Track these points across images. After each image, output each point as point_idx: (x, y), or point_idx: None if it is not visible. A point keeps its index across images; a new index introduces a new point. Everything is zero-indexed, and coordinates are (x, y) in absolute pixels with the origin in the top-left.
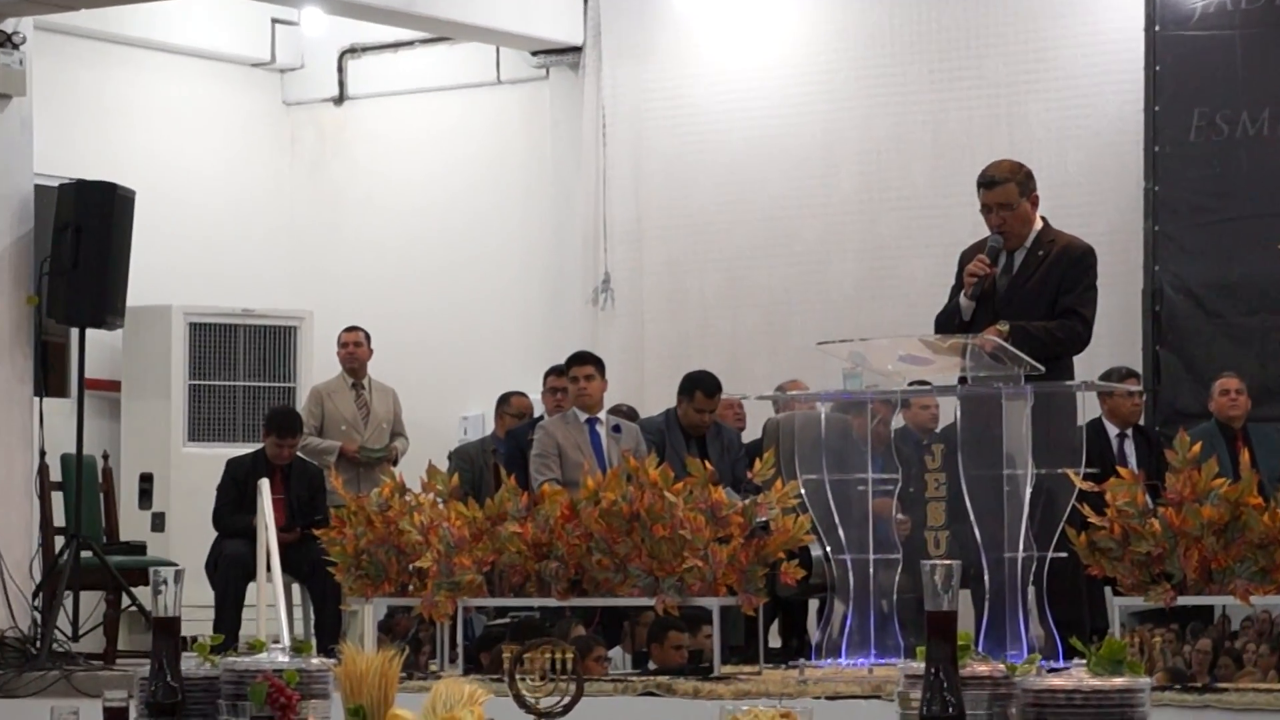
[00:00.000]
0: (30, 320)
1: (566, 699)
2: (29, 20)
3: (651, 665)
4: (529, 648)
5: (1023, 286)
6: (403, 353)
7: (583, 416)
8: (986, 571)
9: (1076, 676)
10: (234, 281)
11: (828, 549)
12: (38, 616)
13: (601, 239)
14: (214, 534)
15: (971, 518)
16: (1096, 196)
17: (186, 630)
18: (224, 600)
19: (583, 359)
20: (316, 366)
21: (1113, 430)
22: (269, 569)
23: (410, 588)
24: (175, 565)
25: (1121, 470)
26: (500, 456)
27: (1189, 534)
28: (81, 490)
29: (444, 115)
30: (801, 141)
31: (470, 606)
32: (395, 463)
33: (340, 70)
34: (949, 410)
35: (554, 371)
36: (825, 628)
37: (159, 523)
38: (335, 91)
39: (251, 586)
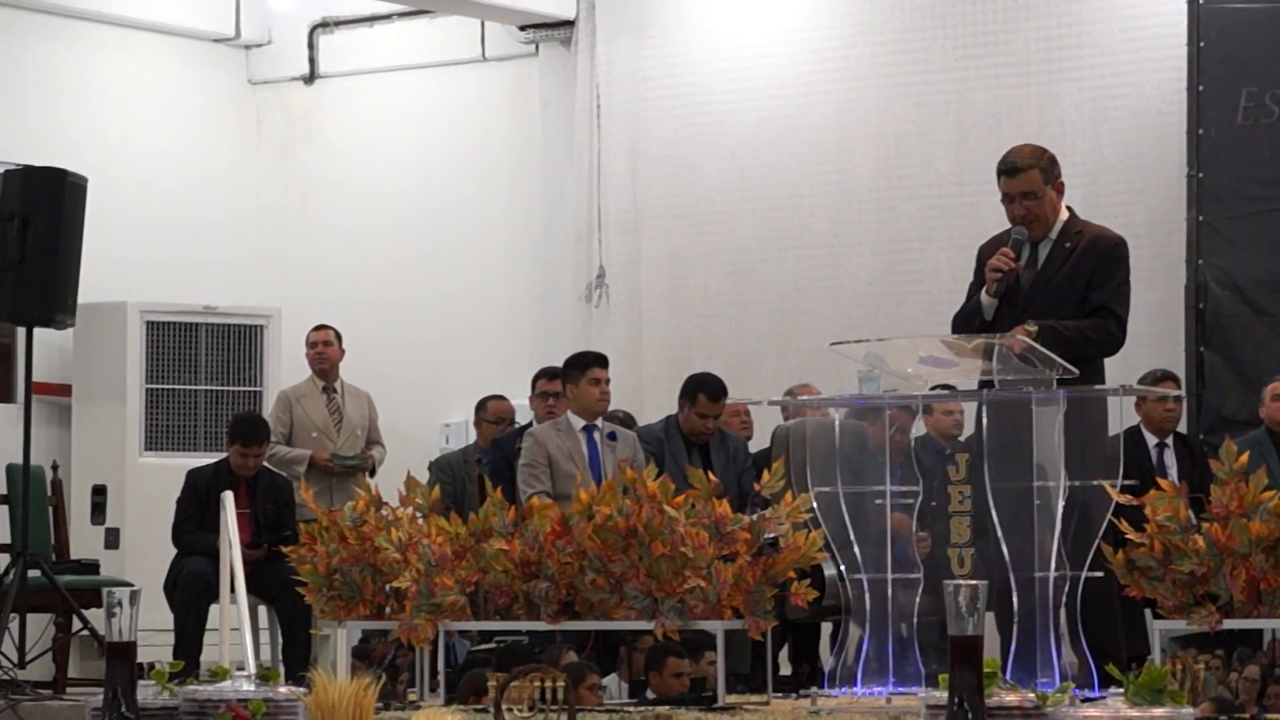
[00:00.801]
0: None
1: None
2: None
3: (650, 694)
4: (516, 675)
5: (1049, 282)
6: (379, 354)
7: (579, 423)
8: (1015, 592)
9: (1113, 707)
10: (195, 276)
11: (842, 568)
12: None
13: (595, 230)
14: (173, 551)
15: (999, 534)
16: (1135, 184)
17: (143, 656)
18: (184, 623)
19: (601, 360)
20: (285, 369)
21: (1152, 439)
22: (233, 589)
23: (387, 610)
24: (131, 585)
25: (1162, 482)
26: (485, 467)
27: (1236, 551)
28: (29, 504)
29: (424, 95)
30: (813, 124)
31: (452, 630)
32: (372, 473)
33: (311, 46)
34: (974, 417)
35: (544, 375)
36: (839, 653)
37: (113, 539)
38: (305, 69)
39: (214, 608)
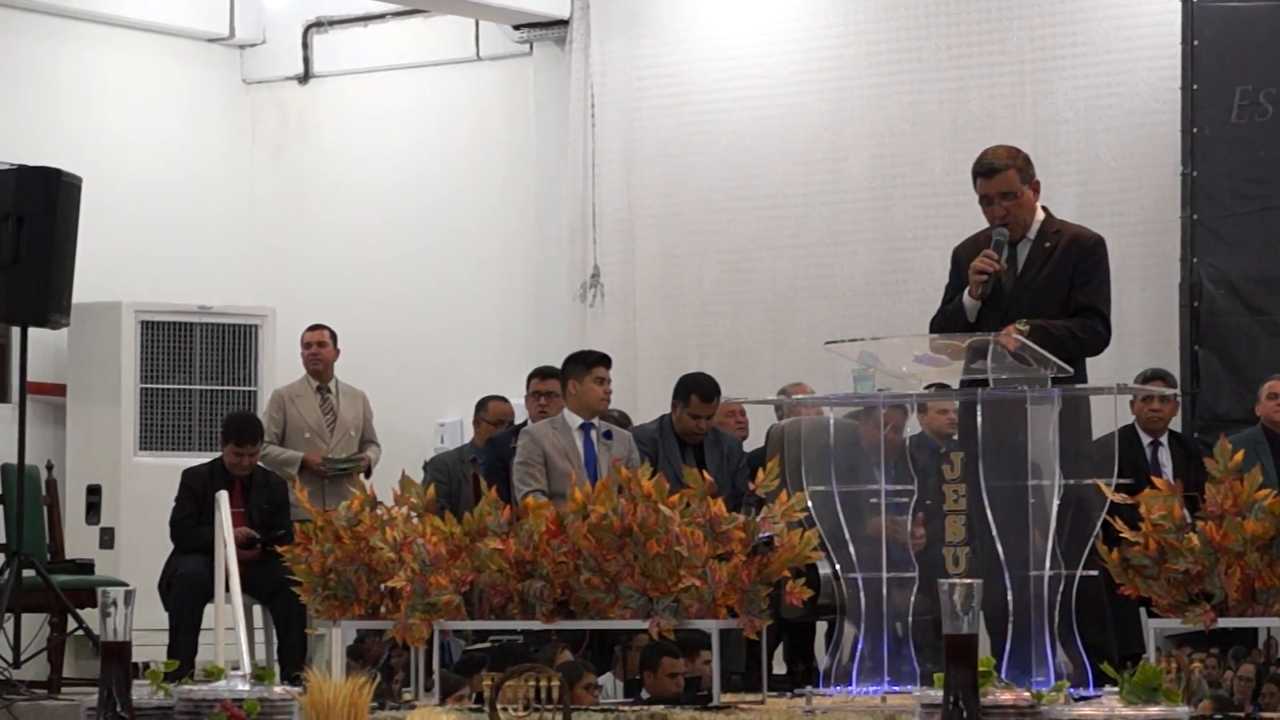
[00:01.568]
0: None
1: None
2: None
3: (645, 694)
4: (511, 675)
5: (1031, 283)
6: (373, 354)
7: (575, 422)
8: (1010, 591)
9: (1108, 705)
10: (189, 276)
11: (837, 567)
12: None
13: (590, 230)
14: (167, 551)
15: (994, 533)
16: (1129, 182)
17: (138, 656)
18: (179, 623)
19: (604, 360)
20: (279, 369)
21: (1146, 438)
22: (228, 589)
23: (382, 609)
24: (125, 585)
25: (1157, 481)
26: (480, 466)
27: (1231, 550)
28: (23, 504)
29: (418, 95)
30: (807, 123)
31: (447, 630)
32: (368, 473)
33: (305, 46)
34: (966, 416)
35: (538, 374)
36: (834, 652)
37: (108, 539)
38: (299, 69)
39: (209, 608)
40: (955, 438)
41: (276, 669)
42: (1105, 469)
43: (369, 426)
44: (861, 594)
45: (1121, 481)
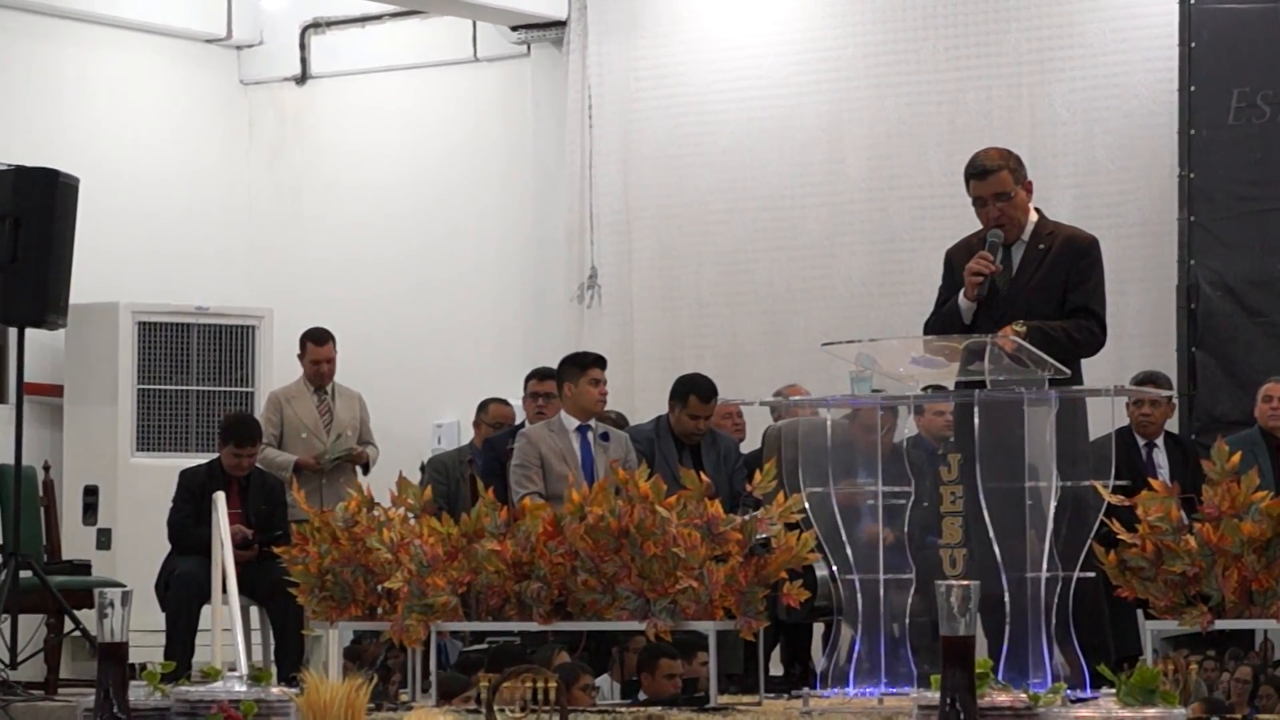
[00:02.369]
0: None
1: None
2: None
3: (642, 695)
4: (508, 676)
5: (1026, 285)
6: (371, 355)
7: (572, 424)
8: (1007, 593)
9: (1105, 707)
10: (186, 277)
11: (834, 568)
12: None
13: (587, 231)
14: (164, 552)
15: (991, 534)
16: (1126, 184)
17: (135, 657)
18: (175, 624)
19: (600, 361)
20: (276, 369)
21: (1142, 439)
22: (225, 590)
23: (379, 610)
24: (122, 586)
25: (1154, 482)
26: (477, 467)
27: (1228, 552)
28: (20, 504)
29: (416, 96)
30: (805, 124)
31: (444, 631)
32: (366, 469)
33: (302, 47)
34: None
35: (535, 375)
36: (831, 654)
37: (105, 540)
38: (297, 70)
39: (206, 609)
40: (952, 439)
41: (273, 670)
42: (1102, 471)
43: (366, 428)
44: (859, 595)
45: (1118, 483)
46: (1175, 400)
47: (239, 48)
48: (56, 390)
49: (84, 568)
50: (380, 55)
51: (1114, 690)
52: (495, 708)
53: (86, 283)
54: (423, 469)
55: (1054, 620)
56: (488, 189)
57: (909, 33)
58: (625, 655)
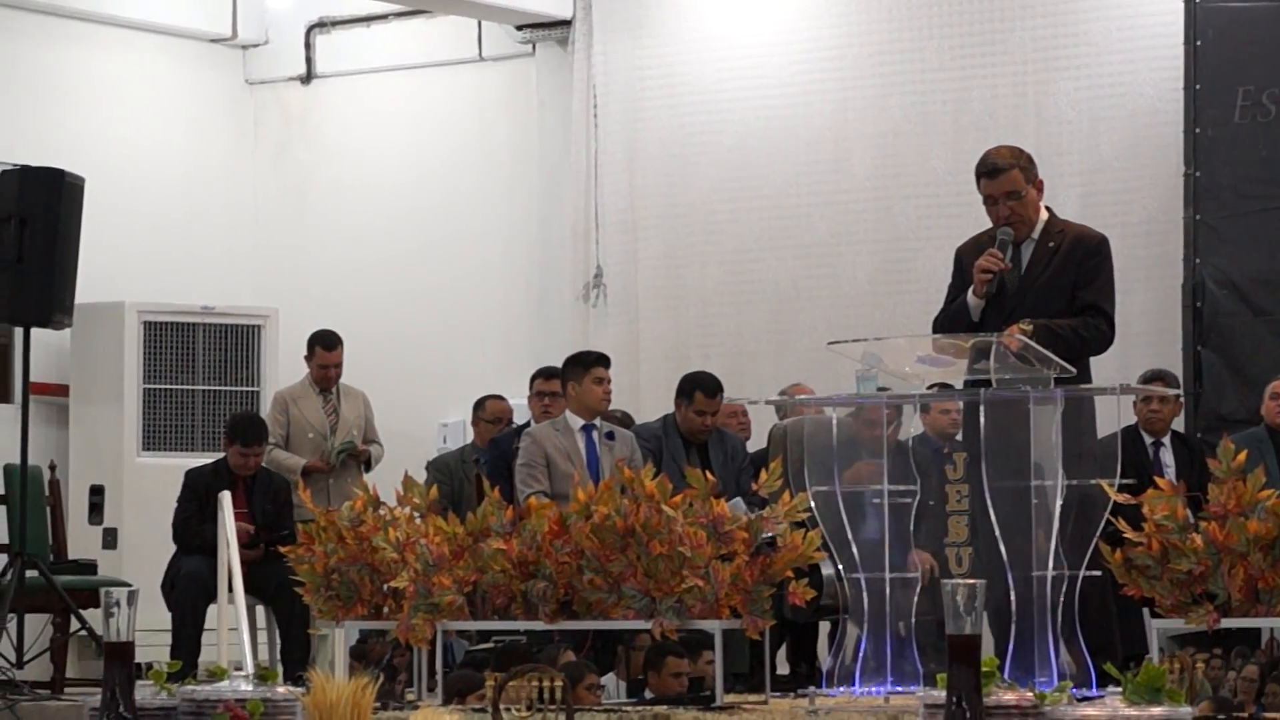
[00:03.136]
0: None
1: None
2: None
3: (648, 694)
4: (514, 675)
5: (1035, 283)
6: (376, 354)
7: (577, 423)
8: (1013, 592)
9: (1111, 706)
10: (192, 276)
11: (840, 567)
12: None
13: (593, 230)
14: (170, 551)
15: (997, 533)
16: (1132, 183)
17: (141, 656)
18: (182, 623)
19: (604, 360)
20: (281, 369)
21: (1149, 438)
22: (231, 589)
23: (385, 610)
24: (128, 585)
25: (1160, 481)
26: (482, 467)
27: (1234, 550)
28: (26, 504)
29: (421, 95)
30: (811, 123)
31: (450, 630)
32: (368, 466)
33: (308, 46)
34: (969, 416)
35: (541, 375)
36: (837, 653)
37: (110, 539)
38: (302, 69)
39: (212, 608)
40: (958, 437)
41: (279, 669)
42: (1108, 469)
43: (371, 426)
44: (864, 594)
45: (1124, 482)
46: (1181, 399)
47: (244, 47)
48: (62, 390)
49: (90, 567)
50: (385, 55)
51: (1120, 689)
52: (501, 707)
53: (92, 282)
54: (428, 469)
55: (1060, 619)
56: (493, 188)
57: (914, 32)
58: (631, 654)
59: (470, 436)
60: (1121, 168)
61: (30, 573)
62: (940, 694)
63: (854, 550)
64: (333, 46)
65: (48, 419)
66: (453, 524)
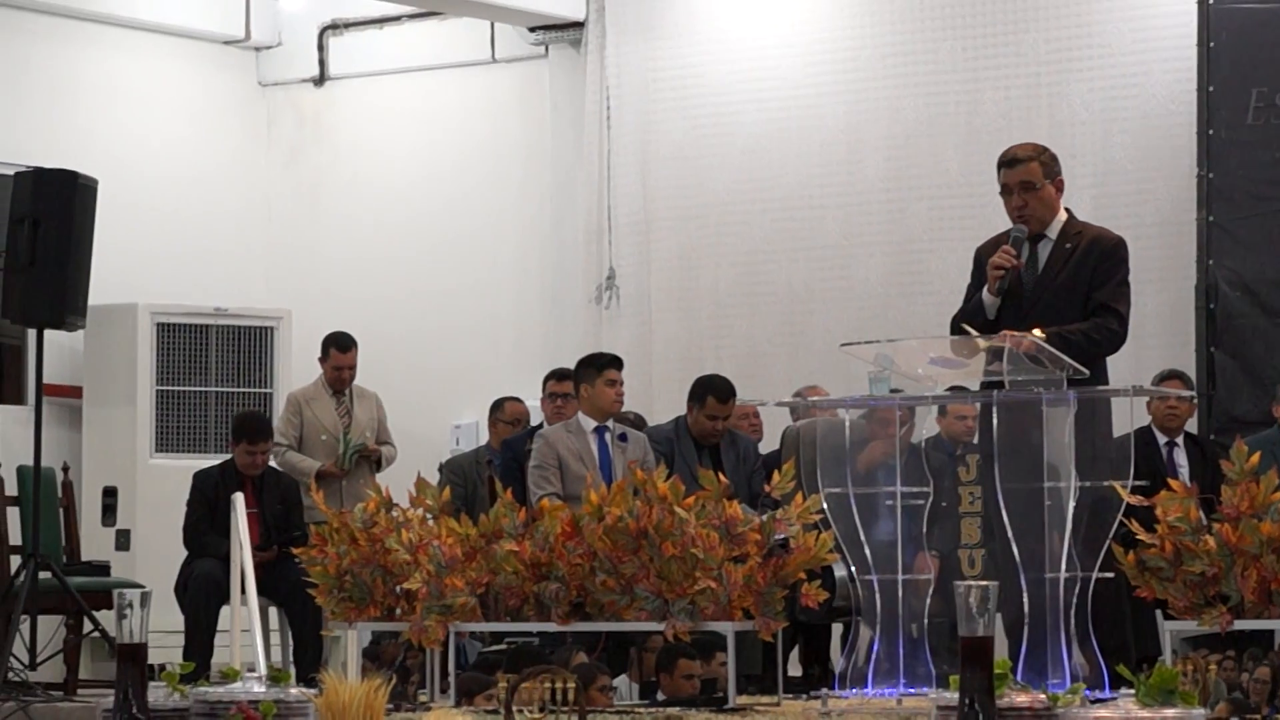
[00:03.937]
0: None
1: None
2: None
3: (660, 696)
4: (526, 676)
5: (1052, 283)
6: (389, 356)
7: (589, 425)
8: (1026, 593)
9: (1124, 708)
10: (205, 278)
11: (852, 569)
12: None
13: (605, 232)
14: (183, 553)
15: (1010, 535)
16: (1145, 184)
17: (154, 658)
18: (194, 625)
19: (617, 362)
20: (295, 370)
21: (1162, 438)
22: (243, 591)
23: (398, 611)
24: (141, 587)
25: (1173, 483)
26: (495, 468)
27: (1247, 552)
28: (39, 505)
29: (434, 97)
30: (823, 125)
31: (463, 632)
32: (379, 466)
33: (321, 48)
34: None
35: (554, 376)
36: (850, 655)
37: (124, 541)
38: (315, 71)
39: (225, 610)
40: (974, 443)
41: (292, 671)
42: (1122, 471)
43: (383, 428)
44: (877, 596)
45: (1138, 483)
46: (1195, 400)
47: (257, 49)
48: (75, 391)
49: (103, 569)
50: (398, 56)
51: (1133, 691)
52: (514, 708)
53: (105, 284)
54: (440, 471)
55: (1073, 620)
56: (506, 190)
57: (927, 33)
58: (644, 656)
59: (484, 438)
60: (1134, 169)
61: (43, 574)
62: (953, 696)
63: (867, 552)
64: (345, 48)
65: (61, 420)
66: (465, 525)
